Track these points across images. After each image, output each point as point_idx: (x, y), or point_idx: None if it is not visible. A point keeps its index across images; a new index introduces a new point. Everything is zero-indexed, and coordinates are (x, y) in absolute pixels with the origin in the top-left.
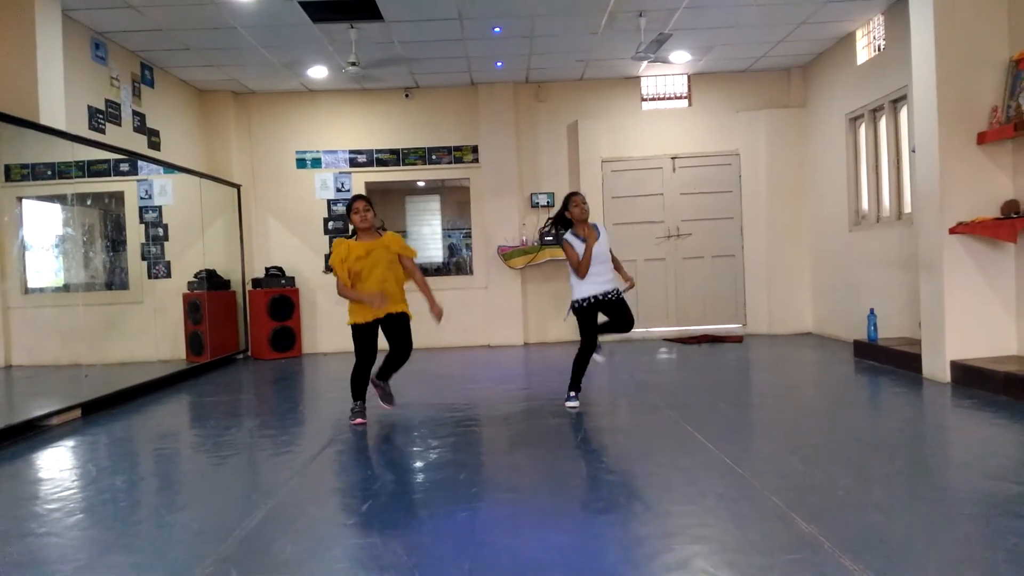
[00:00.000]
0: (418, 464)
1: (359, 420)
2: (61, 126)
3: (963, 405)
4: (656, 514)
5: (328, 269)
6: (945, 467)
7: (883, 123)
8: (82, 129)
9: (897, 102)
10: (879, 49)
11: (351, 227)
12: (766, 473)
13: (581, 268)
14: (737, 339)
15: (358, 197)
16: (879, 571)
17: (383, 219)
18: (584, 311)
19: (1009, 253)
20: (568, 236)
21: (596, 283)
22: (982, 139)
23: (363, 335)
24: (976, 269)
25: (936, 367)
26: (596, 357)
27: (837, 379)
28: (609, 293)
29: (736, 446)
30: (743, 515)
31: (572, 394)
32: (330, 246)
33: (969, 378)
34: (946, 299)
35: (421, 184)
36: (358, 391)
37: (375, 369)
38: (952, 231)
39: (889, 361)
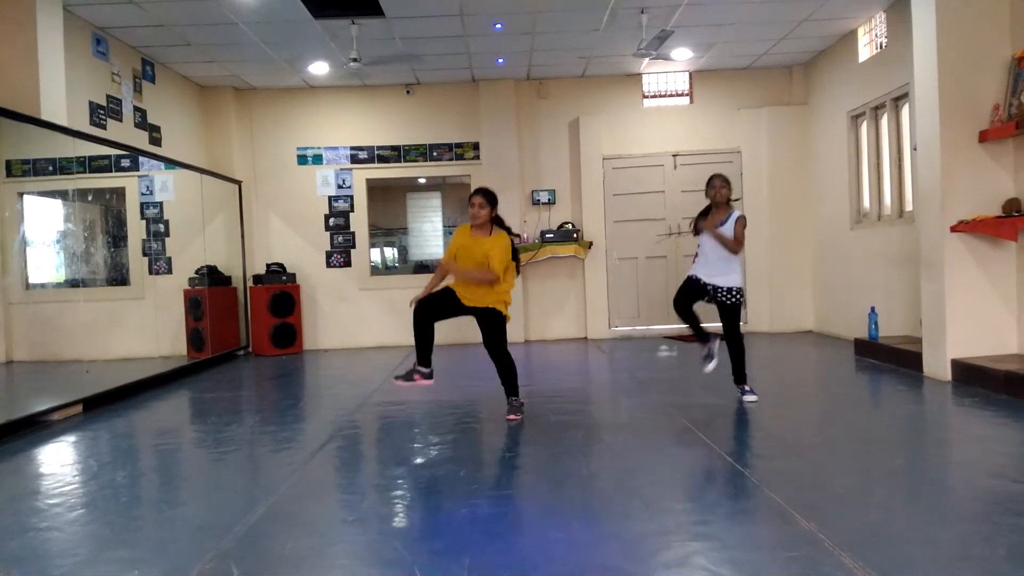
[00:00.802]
0: (419, 461)
1: (419, 380)
2: (62, 122)
3: (964, 403)
4: (656, 511)
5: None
6: (945, 465)
7: (885, 121)
8: (83, 125)
9: (899, 100)
10: (881, 47)
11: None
12: (766, 470)
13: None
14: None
15: (476, 192)
16: (879, 569)
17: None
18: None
19: (1010, 251)
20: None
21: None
22: (984, 137)
23: (435, 296)
24: (977, 267)
25: (937, 365)
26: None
27: (838, 377)
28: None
29: (736, 444)
30: (743, 512)
31: (746, 387)
32: (331, 243)
33: (970, 376)
34: (947, 297)
35: (422, 181)
36: (418, 353)
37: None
38: (953, 229)
39: (890, 359)
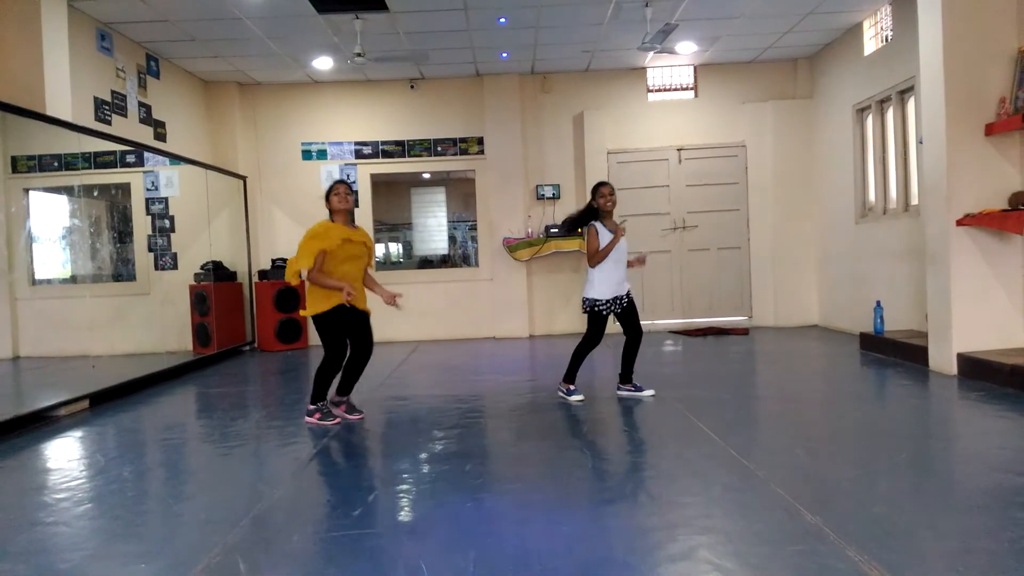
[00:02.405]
0: (423, 455)
1: (336, 420)
2: (67, 117)
3: (969, 397)
4: (661, 505)
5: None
6: (951, 459)
7: (890, 114)
8: (88, 120)
9: (904, 93)
10: (886, 40)
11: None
12: (771, 464)
13: (598, 255)
14: (743, 331)
15: (341, 181)
16: (884, 562)
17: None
18: (598, 316)
19: (1016, 245)
20: (597, 223)
21: (614, 283)
22: (990, 130)
23: (342, 321)
24: (983, 261)
25: (943, 359)
26: (575, 398)
27: (843, 371)
28: (624, 297)
29: (741, 438)
30: (748, 506)
31: (572, 388)
32: None
33: (976, 370)
34: (953, 291)
35: (426, 176)
36: (325, 389)
37: (333, 388)
38: (959, 223)
39: (895, 354)
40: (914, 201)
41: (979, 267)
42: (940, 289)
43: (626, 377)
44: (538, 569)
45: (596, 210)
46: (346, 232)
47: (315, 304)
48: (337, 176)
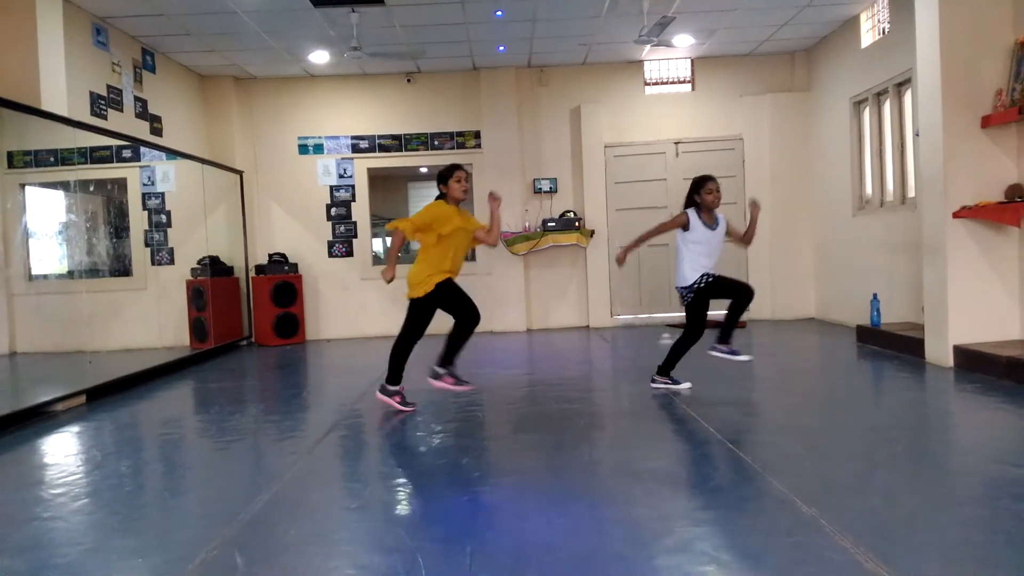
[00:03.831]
0: (421, 449)
1: (413, 407)
2: (63, 112)
3: (966, 389)
4: (658, 497)
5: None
6: (947, 451)
7: (887, 107)
8: (84, 115)
9: (901, 86)
10: (883, 32)
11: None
12: (768, 457)
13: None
14: (740, 324)
15: (459, 167)
16: (880, 554)
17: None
18: (704, 290)
19: (1013, 237)
20: (692, 212)
21: (705, 266)
22: (986, 122)
23: (433, 304)
24: (980, 253)
25: (939, 352)
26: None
27: (840, 364)
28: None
29: (738, 431)
30: (745, 498)
31: (670, 378)
32: (333, 232)
33: (972, 362)
34: (949, 284)
35: (424, 170)
36: (401, 370)
37: (438, 359)
38: (956, 215)
39: (892, 346)
40: (911, 194)
41: (975, 259)
42: (936, 281)
43: (724, 337)
44: (535, 562)
45: (697, 205)
46: (461, 220)
47: (417, 287)
48: (334, 170)
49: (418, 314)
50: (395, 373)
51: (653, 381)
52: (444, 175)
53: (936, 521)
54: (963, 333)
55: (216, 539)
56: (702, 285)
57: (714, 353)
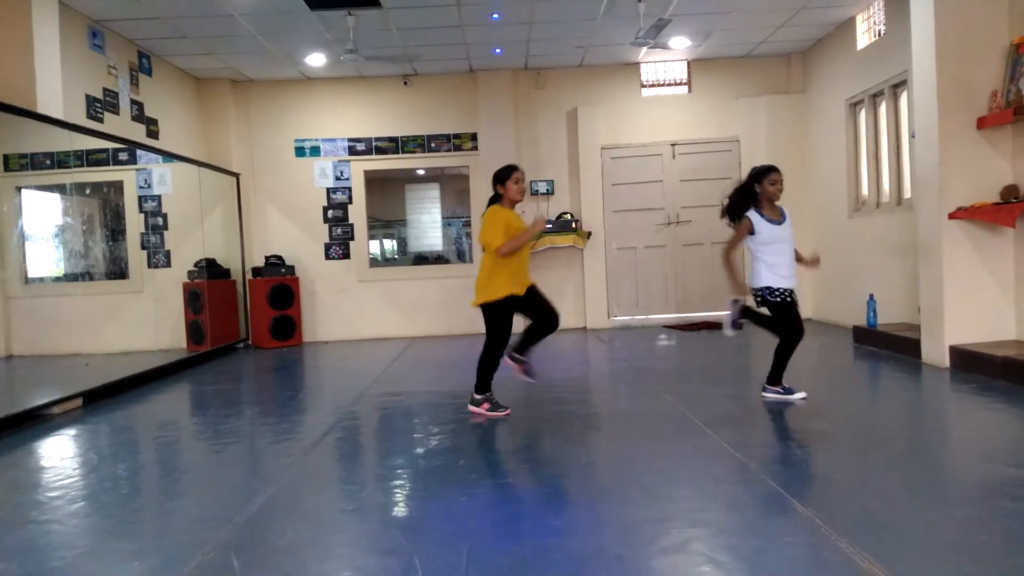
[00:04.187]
0: (418, 450)
1: (506, 410)
2: (59, 115)
3: (962, 390)
4: (654, 498)
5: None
6: (943, 451)
7: (883, 108)
8: (80, 118)
9: (897, 87)
10: (879, 34)
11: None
12: (764, 458)
13: (733, 248)
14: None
15: (515, 166)
16: (876, 554)
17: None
18: (780, 305)
19: (1008, 238)
20: (753, 214)
21: (782, 277)
22: (982, 124)
23: (510, 309)
24: (975, 254)
25: (935, 352)
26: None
27: (836, 364)
28: (793, 292)
29: (734, 431)
30: (741, 499)
31: (782, 387)
32: (330, 235)
33: (968, 363)
34: (945, 284)
35: (421, 172)
36: (489, 379)
37: (512, 346)
38: (951, 216)
39: (888, 346)
40: (907, 195)
41: (971, 260)
42: (932, 282)
43: (775, 378)
44: (532, 563)
45: (756, 196)
46: (519, 222)
47: (484, 293)
48: (330, 173)
49: (496, 320)
50: (482, 381)
51: (764, 390)
52: (502, 175)
53: (932, 521)
54: (959, 334)
55: (212, 542)
56: (782, 300)
57: (766, 395)
